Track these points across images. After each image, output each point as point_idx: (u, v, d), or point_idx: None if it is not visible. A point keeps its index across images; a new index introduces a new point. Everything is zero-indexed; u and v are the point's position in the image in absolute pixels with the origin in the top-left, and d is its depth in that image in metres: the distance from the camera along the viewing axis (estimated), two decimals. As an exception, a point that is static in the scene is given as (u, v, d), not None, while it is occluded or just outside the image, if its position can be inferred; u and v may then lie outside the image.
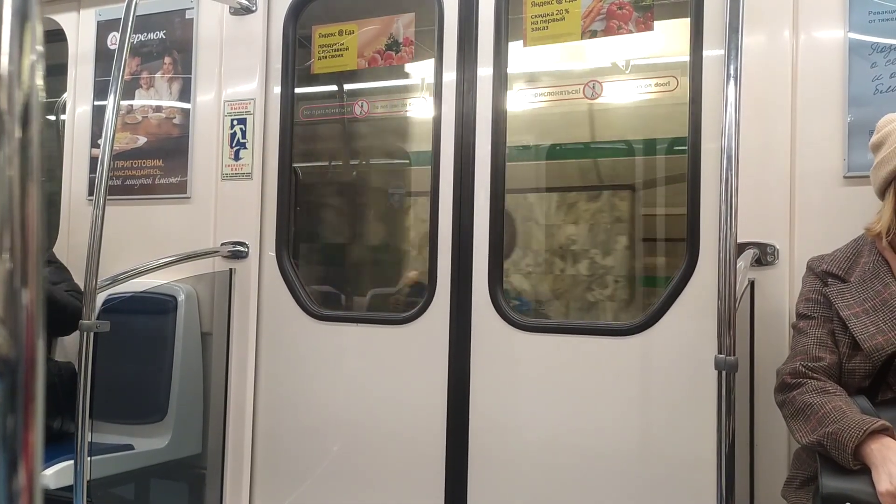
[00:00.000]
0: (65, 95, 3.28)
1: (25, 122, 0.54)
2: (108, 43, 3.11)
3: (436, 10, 2.58)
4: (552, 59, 3.04)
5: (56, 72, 3.27)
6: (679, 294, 2.22)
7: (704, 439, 2.05)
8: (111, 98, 2.41)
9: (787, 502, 1.80)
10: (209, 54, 2.92)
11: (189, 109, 2.94)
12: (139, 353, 2.85)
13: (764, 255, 2.08)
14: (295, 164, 2.92)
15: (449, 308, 2.50)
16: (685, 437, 2.17)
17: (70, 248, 3.07)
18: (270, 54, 2.84)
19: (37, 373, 0.53)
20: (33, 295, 0.54)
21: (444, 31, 2.56)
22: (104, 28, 3.13)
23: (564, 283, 3.75)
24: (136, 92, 3.05)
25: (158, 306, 2.81)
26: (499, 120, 2.48)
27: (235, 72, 2.87)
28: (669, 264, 3.39)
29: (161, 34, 3.01)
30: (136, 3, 2.43)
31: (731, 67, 1.81)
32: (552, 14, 2.44)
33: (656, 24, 2.35)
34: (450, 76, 2.55)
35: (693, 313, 2.18)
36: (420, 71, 3.16)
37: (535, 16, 2.47)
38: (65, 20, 3.21)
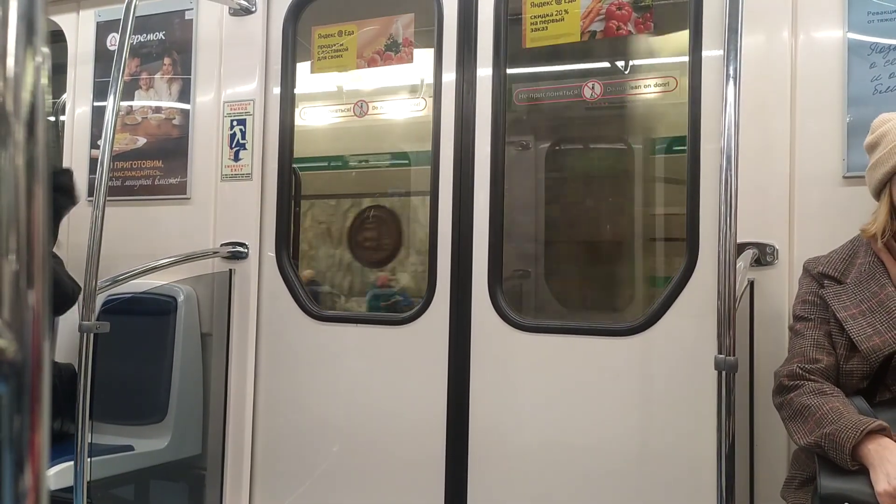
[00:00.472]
0: (64, 96, 3.28)
1: (31, 124, 0.54)
2: (108, 44, 3.10)
3: (435, 10, 2.58)
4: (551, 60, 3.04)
5: (55, 72, 3.26)
6: (679, 294, 2.22)
7: (704, 439, 2.05)
8: (111, 99, 2.41)
9: (786, 503, 1.80)
10: (209, 55, 2.92)
11: (189, 110, 2.94)
12: (139, 354, 2.84)
13: (763, 255, 2.08)
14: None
15: (449, 308, 2.51)
16: (685, 437, 2.17)
17: (70, 249, 3.06)
18: (270, 55, 2.84)
19: (43, 374, 0.53)
20: (39, 296, 0.53)
21: (444, 31, 2.56)
22: (104, 29, 3.12)
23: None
24: (136, 93, 3.04)
25: (158, 307, 2.81)
26: (498, 120, 2.48)
27: (235, 72, 2.87)
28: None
29: (160, 35, 3.00)
30: (135, 4, 2.43)
31: (731, 68, 1.81)
32: (552, 14, 2.44)
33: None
34: (449, 76, 2.55)
35: (693, 313, 2.18)
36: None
37: (535, 16, 2.47)
38: (64, 21, 3.21)
